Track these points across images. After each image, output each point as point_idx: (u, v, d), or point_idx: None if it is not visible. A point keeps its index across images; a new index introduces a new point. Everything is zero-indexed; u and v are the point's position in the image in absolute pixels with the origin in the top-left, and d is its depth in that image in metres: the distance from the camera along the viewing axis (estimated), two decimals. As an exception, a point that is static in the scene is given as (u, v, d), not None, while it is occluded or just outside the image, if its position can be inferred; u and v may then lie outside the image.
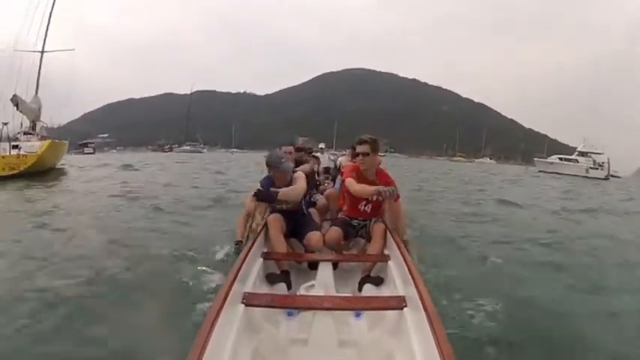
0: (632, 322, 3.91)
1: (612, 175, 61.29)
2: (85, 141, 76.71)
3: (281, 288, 3.45)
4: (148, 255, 5.29)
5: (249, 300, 2.64)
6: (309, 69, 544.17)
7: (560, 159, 59.08)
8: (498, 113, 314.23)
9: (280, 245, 3.74)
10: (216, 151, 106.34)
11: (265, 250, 3.80)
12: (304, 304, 2.84)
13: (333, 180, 6.29)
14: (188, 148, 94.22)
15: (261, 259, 3.55)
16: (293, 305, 2.95)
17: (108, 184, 15.79)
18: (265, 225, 3.96)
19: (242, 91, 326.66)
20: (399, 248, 3.45)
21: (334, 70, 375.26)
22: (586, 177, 49.43)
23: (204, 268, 4.55)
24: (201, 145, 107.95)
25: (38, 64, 27.68)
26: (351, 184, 3.92)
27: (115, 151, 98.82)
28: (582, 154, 57.96)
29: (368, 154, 3.94)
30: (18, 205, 10.50)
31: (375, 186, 3.80)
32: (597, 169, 54.73)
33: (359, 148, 3.98)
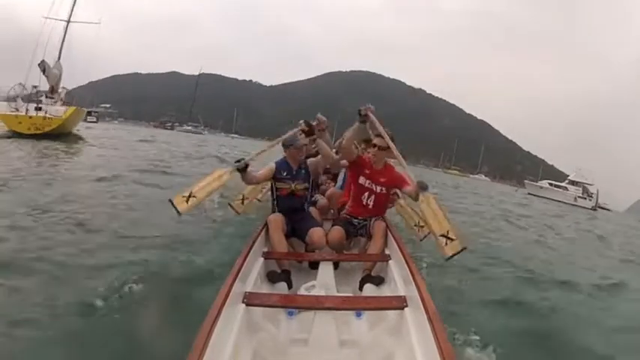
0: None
1: (602, 207, 62.67)
2: (89, 109, 77.68)
3: (282, 287, 3.46)
4: (148, 250, 5.25)
5: (250, 299, 2.65)
6: (317, 66, 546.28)
7: (550, 184, 60.18)
8: (499, 132, 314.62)
9: (281, 244, 3.75)
10: (216, 135, 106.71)
11: (266, 250, 3.80)
12: (305, 303, 2.85)
13: (334, 179, 6.29)
14: (190, 128, 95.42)
15: (261, 259, 3.55)
16: (294, 305, 2.96)
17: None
18: (266, 224, 3.95)
19: (248, 79, 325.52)
20: (399, 248, 3.46)
21: (342, 70, 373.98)
22: (574, 205, 50.43)
23: (204, 267, 4.63)
24: (202, 127, 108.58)
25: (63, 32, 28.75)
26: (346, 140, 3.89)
27: (116, 122, 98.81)
28: (572, 182, 59.28)
29: (384, 150, 3.87)
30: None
31: (378, 179, 3.92)
32: (585, 198, 56.12)
33: (377, 140, 3.90)
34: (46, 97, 25.01)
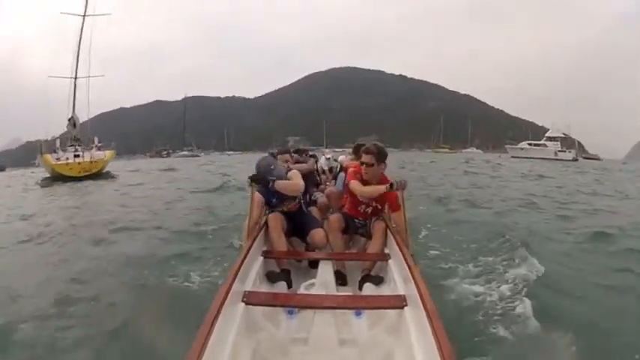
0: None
1: (590, 158, 65.79)
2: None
3: (281, 286, 3.44)
4: (148, 250, 5.67)
5: (250, 299, 2.65)
6: (296, 69, 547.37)
7: (530, 144, 63.26)
8: (484, 103, 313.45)
9: (280, 244, 3.74)
10: (211, 154, 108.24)
11: (265, 249, 3.80)
12: (305, 302, 2.85)
13: (335, 178, 6.21)
14: (186, 152, 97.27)
15: (261, 258, 3.55)
16: (293, 304, 2.95)
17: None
18: (266, 224, 3.93)
19: (231, 95, 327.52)
20: (399, 247, 3.43)
21: (321, 69, 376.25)
22: (555, 159, 53.37)
23: (204, 266, 4.74)
24: (197, 150, 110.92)
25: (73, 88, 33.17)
26: (357, 186, 3.89)
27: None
28: (550, 138, 62.48)
29: (372, 165, 3.85)
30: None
31: (382, 186, 3.78)
32: (565, 151, 59.22)
33: (364, 158, 3.88)
34: (78, 145, 29.67)
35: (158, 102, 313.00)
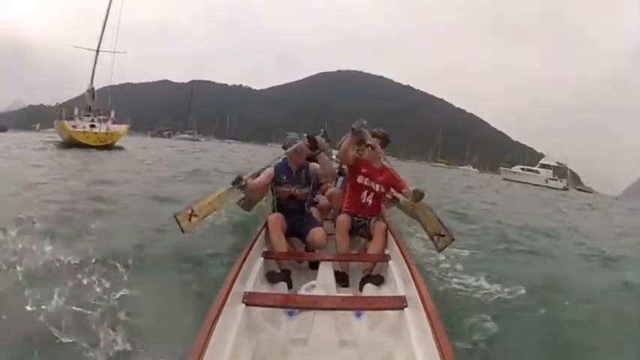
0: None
1: (584, 190, 67.24)
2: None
3: (282, 287, 3.45)
4: (149, 249, 5.42)
5: (250, 299, 2.67)
6: (303, 67, 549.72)
7: (523, 169, 64.32)
8: (487, 124, 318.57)
9: (281, 244, 3.75)
10: (211, 140, 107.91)
11: (266, 250, 3.80)
12: (305, 303, 2.88)
13: (335, 180, 6.29)
14: (187, 136, 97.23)
15: (261, 259, 3.55)
16: (294, 305, 2.97)
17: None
18: (266, 224, 3.94)
19: (238, 84, 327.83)
20: (399, 248, 3.45)
21: (330, 70, 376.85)
22: (545, 186, 54.24)
23: (204, 267, 4.72)
24: (198, 134, 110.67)
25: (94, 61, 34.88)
26: (346, 146, 3.95)
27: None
28: (543, 165, 63.61)
29: (374, 147, 3.97)
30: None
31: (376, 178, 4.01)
32: (556, 180, 60.42)
33: (369, 141, 3.97)
34: (94, 115, 31.42)
35: (166, 81, 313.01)
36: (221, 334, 2.09)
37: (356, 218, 4.08)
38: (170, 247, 5.06)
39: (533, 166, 65.70)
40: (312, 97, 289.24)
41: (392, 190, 4.43)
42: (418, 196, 3.65)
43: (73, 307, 3.40)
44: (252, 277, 3.16)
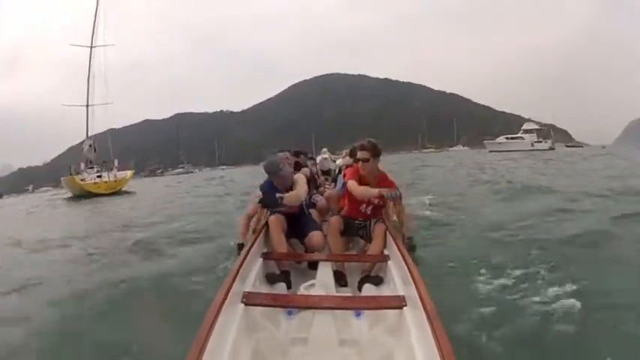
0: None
1: (574, 146, 68.87)
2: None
3: (281, 288, 3.46)
4: (149, 248, 5.76)
5: (249, 299, 2.66)
6: (282, 78, 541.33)
7: (507, 138, 66.15)
8: (470, 101, 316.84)
9: (280, 245, 3.75)
10: (204, 171, 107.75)
11: (265, 250, 3.82)
12: (304, 303, 2.86)
13: (334, 181, 6.14)
14: (181, 170, 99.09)
15: (261, 259, 3.58)
16: (293, 304, 2.96)
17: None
18: (266, 225, 3.97)
19: (218, 110, 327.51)
20: (398, 248, 3.44)
21: (306, 77, 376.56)
22: (532, 150, 56.02)
23: (204, 267, 4.73)
24: (189, 166, 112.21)
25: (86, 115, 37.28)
26: (354, 186, 3.95)
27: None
28: (526, 131, 65.66)
29: (368, 160, 3.96)
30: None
31: (377, 189, 3.91)
32: (541, 142, 62.30)
33: (359, 154, 4.02)
34: (97, 167, 34.17)
35: (147, 121, 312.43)
36: (220, 334, 2.11)
37: (357, 221, 4.18)
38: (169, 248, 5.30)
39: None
40: (294, 108, 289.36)
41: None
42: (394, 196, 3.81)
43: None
44: (251, 277, 3.18)
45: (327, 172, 7.65)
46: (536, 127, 66.74)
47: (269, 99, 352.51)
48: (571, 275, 4.28)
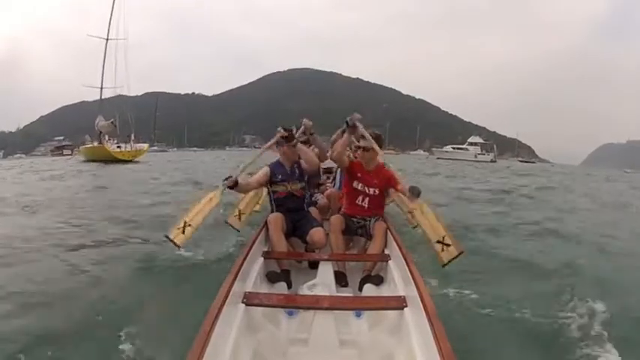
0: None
1: (526, 161, 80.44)
2: (62, 144, 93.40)
3: (281, 287, 3.45)
4: (149, 249, 5.54)
5: (250, 299, 2.65)
6: (257, 68, 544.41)
7: (453, 148, 74.11)
8: (438, 108, 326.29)
9: (281, 244, 3.71)
10: (172, 151, 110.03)
11: (266, 250, 3.79)
12: (305, 303, 2.83)
13: (334, 179, 6.21)
14: (156, 148, 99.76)
15: (261, 259, 3.53)
16: (293, 305, 2.95)
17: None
18: (266, 224, 3.92)
19: (190, 92, 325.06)
20: (399, 248, 3.41)
21: (280, 70, 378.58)
22: (475, 161, 63.32)
23: (204, 267, 4.76)
24: (162, 145, 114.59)
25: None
26: (340, 146, 3.89)
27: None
28: (471, 143, 73.52)
29: (368, 149, 3.92)
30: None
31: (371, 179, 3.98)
32: (484, 154, 70.16)
33: (361, 142, 3.94)
34: (109, 138, 40.21)
35: (119, 96, 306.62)
36: (221, 334, 2.10)
37: (355, 219, 4.06)
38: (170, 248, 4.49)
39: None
40: (264, 98, 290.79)
41: (391, 190, 4.27)
42: (415, 192, 3.41)
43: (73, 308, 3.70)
44: (251, 277, 3.13)
45: (329, 170, 7.32)
46: (481, 140, 75.22)
47: (241, 86, 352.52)
48: (572, 277, 4.60)
